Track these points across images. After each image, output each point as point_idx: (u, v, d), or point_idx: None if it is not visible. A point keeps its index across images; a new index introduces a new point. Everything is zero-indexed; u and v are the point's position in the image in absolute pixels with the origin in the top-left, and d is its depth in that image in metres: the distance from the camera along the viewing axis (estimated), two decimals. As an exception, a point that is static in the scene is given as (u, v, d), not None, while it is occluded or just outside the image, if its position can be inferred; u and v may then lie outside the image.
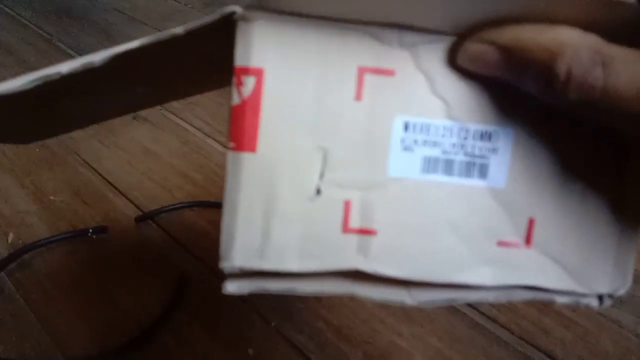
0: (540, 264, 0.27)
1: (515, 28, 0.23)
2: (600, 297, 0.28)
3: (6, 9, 1.39)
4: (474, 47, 0.24)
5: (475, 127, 0.26)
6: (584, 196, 0.27)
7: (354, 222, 0.26)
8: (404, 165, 0.26)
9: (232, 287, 0.26)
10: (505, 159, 0.26)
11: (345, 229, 0.26)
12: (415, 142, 0.25)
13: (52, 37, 1.25)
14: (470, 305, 0.62)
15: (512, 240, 0.27)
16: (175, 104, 0.96)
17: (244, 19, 0.24)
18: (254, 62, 0.24)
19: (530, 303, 0.62)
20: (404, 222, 0.26)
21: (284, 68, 0.24)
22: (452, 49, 0.25)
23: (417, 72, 0.25)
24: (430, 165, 0.26)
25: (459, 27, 0.24)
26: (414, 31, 0.25)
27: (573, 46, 0.22)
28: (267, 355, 0.58)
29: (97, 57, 0.23)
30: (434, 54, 0.25)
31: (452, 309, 0.62)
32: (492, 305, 0.62)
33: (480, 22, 0.24)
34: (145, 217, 0.74)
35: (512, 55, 0.23)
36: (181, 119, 0.95)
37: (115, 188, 0.80)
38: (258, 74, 0.24)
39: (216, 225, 0.71)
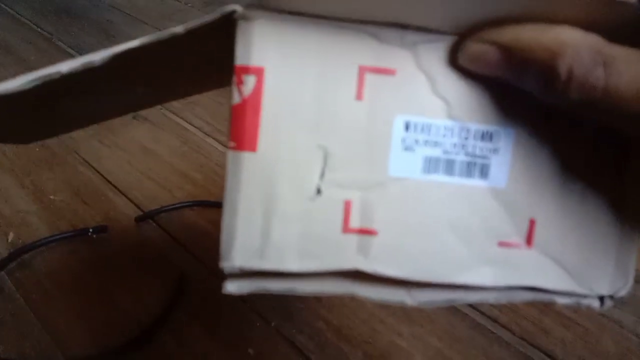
0: (540, 264, 0.27)
1: (516, 28, 0.23)
2: (602, 298, 0.28)
3: (6, 7, 1.39)
4: (474, 47, 0.24)
5: (476, 127, 0.26)
6: (584, 196, 0.27)
7: (354, 222, 0.26)
8: (404, 165, 0.26)
9: (232, 287, 0.26)
10: (506, 159, 0.26)
11: (346, 229, 0.26)
12: (416, 142, 0.25)
13: (52, 36, 1.25)
14: (470, 305, 0.62)
15: (513, 241, 0.27)
16: (175, 104, 0.96)
17: (245, 18, 0.24)
18: (255, 61, 0.24)
19: (531, 303, 0.62)
20: (405, 222, 0.26)
21: (284, 67, 0.24)
22: (452, 49, 0.25)
23: (418, 71, 0.25)
24: (431, 165, 0.26)
25: (460, 27, 0.24)
26: (415, 30, 0.25)
27: (574, 46, 0.21)
28: (267, 355, 0.58)
29: (97, 56, 0.23)
30: (434, 54, 0.25)
31: (452, 309, 0.62)
32: (492, 305, 0.62)
33: (481, 22, 0.24)
34: (145, 217, 0.74)
35: (512, 55, 0.23)
36: (181, 118, 0.95)
37: (116, 188, 0.79)
38: (258, 73, 0.24)
39: (216, 225, 0.72)
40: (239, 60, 0.24)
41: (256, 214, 0.25)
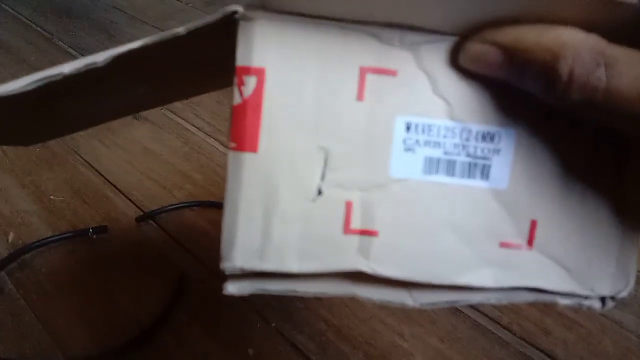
0: (542, 265, 0.27)
1: (517, 28, 0.23)
2: (603, 299, 0.28)
3: (6, 7, 1.39)
4: (475, 48, 0.24)
5: (477, 127, 0.26)
6: (585, 197, 0.27)
7: (355, 223, 0.26)
8: (405, 165, 0.25)
9: (232, 288, 0.26)
10: (508, 160, 0.26)
11: (347, 229, 0.26)
12: (417, 142, 0.25)
13: (52, 36, 1.25)
14: (471, 306, 0.62)
15: (514, 242, 0.27)
16: (176, 104, 0.97)
17: (246, 18, 0.24)
18: (256, 61, 0.24)
19: (532, 304, 0.62)
20: (406, 223, 0.26)
21: (285, 68, 0.24)
22: (453, 49, 0.25)
23: (418, 72, 0.25)
24: (432, 166, 0.26)
25: (461, 27, 0.24)
26: (416, 31, 0.25)
27: (575, 47, 0.21)
28: (267, 356, 0.58)
29: (100, 57, 0.23)
30: (435, 54, 0.25)
31: (453, 310, 0.62)
32: (493, 306, 0.62)
33: (481, 22, 0.24)
34: (146, 217, 0.74)
35: (514, 56, 0.23)
36: (182, 118, 0.95)
37: (116, 188, 0.79)
38: (259, 73, 0.24)
39: (216, 225, 0.72)
40: (240, 60, 0.24)
41: (257, 215, 0.25)
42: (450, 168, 0.26)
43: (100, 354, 0.57)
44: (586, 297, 0.28)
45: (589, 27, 0.22)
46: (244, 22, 0.24)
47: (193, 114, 0.95)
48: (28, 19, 1.33)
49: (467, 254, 0.26)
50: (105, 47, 0.24)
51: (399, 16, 0.24)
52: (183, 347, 0.58)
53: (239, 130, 0.24)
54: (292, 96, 0.25)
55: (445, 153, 0.26)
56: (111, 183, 0.80)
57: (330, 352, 0.58)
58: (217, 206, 0.76)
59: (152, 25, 1.31)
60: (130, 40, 0.23)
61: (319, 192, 0.25)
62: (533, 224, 0.27)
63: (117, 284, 0.65)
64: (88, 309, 0.62)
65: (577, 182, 0.27)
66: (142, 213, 0.74)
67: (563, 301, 0.28)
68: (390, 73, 0.25)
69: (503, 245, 0.27)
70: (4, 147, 0.87)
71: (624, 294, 0.28)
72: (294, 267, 0.25)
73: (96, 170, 0.83)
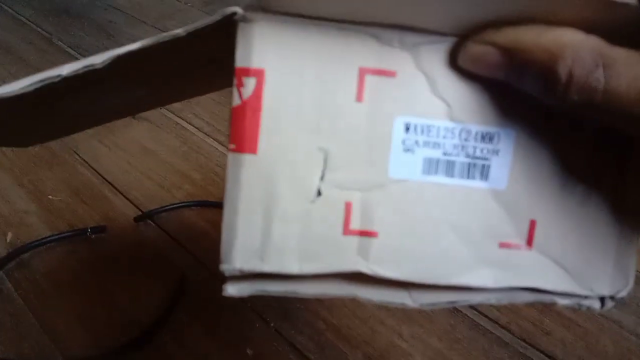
0: (541, 265, 0.27)
1: (516, 29, 0.23)
2: (602, 299, 0.28)
3: (5, 7, 1.38)
4: (475, 48, 0.24)
5: (476, 128, 0.26)
6: (584, 197, 0.27)
7: (355, 224, 0.26)
8: (404, 166, 0.25)
9: (232, 290, 0.26)
10: (507, 160, 0.26)
11: (346, 230, 0.26)
12: (416, 143, 0.25)
13: (51, 35, 1.25)
14: (470, 306, 0.62)
15: (513, 242, 0.27)
16: (175, 103, 0.96)
17: (245, 19, 0.24)
18: (255, 63, 0.24)
19: (531, 304, 0.62)
20: (405, 223, 0.26)
21: (284, 69, 0.24)
22: (453, 50, 0.25)
23: (418, 73, 0.25)
24: (431, 166, 0.26)
25: (460, 28, 0.24)
26: (415, 32, 0.25)
27: (574, 47, 0.21)
28: (267, 356, 0.58)
29: (99, 59, 0.23)
30: (434, 55, 0.25)
31: (452, 310, 0.62)
32: (492, 306, 0.62)
33: (481, 23, 0.24)
34: (144, 217, 0.74)
35: (513, 57, 0.23)
36: (181, 118, 0.95)
37: (114, 187, 0.79)
38: (259, 75, 0.24)
39: (215, 225, 0.72)
40: (239, 62, 0.24)
41: (256, 216, 0.25)
42: (449, 168, 0.26)
43: (99, 354, 0.57)
44: (585, 297, 0.28)
45: (588, 28, 0.22)
46: (243, 24, 0.24)
47: (192, 114, 0.95)
48: (27, 19, 1.33)
49: (466, 254, 0.26)
50: (104, 47, 0.24)
51: (398, 17, 0.24)
52: (183, 348, 0.58)
53: (239, 131, 0.24)
54: (291, 97, 0.25)
55: (445, 154, 0.26)
56: (110, 183, 0.80)
57: (329, 352, 0.58)
58: (216, 206, 0.76)
59: (152, 25, 1.30)
60: (129, 40, 0.23)
61: (319, 193, 0.25)
62: (532, 224, 0.27)
63: (117, 283, 0.65)
64: (87, 309, 0.62)
65: (577, 183, 0.27)
66: (140, 213, 0.74)
67: (562, 301, 0.28)
68: (390, 74, 0.25)
69: (502, 245, 0.27)
70: (3, 148, 0.87)
71: (623, 294, 0.28)
72: (294, 268, 0.25)
73: (95, 170, 0.83)
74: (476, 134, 0.26)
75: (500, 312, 0.62)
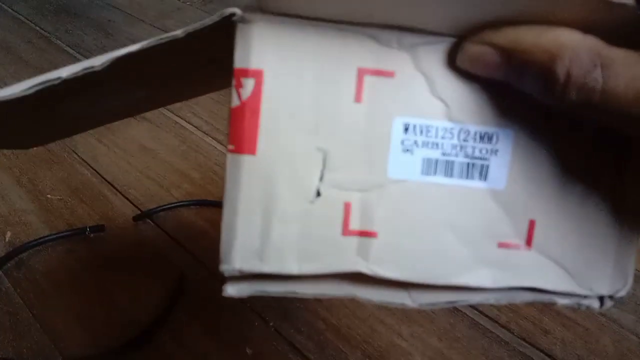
0: (540, 265, 0.27)
1: (514, 29, 0.23)
2: (601, 299, 0.28)
3: (4, 6, 1.38)
4: (473, 49, 0.24)
5: (475, 128, 0.26)
6: (584, 197, 0.27)
7: (354, 224, 0.26)
8: (404, 167, 0.25)
9: (232, 290, 0.26)
10: (506, 160, 0.26)
11: (346, 231, 0.26)
12: (415, 143, 0.25)
13: (50, 34, 1.25)
14: (470, 305, 0.62)
15: (512, 242, 0.27)
16: (173, 102, 0.97)
17: (243, 20, 0.24)
18: (253, 64, 0.24)
19: (531, 304, 0.62)
20: (404, 224, 0.26)
21: (283, 70, 0.24)
22: (451, 51, 0.25)
23: (416, 73, 0.25)
24: (430, 166, 0.26)
25: (459, 29, 0.24)
26: (414, 32, 0.25)
27: (572, 48, 0.21)
28: (266, 355, 0.58)
29: (98, 61, 0.23)
30: (433, 55, 0.25)
31: (451, 309, 0.62)
32: (492, 305, 0.62)
33: (479, 24, 0.23)
34: (143, 216, 0.74)
35: (511, 57, 0.23)
36: (180, 117, 0.95)
37: (113, 187, 0.79)
38: (257, 75, 0.24)
39: (214, 224, 0.72)
40: (238, 63, 0.24)
41: (256, 217, 0.25)
42: (448, 169, 0.26)
43: (98, 353, 0.57)
44: (585, 297, 0.28)
45: (586, 28, 0.22)
46: (241, 25, 0.24)
47: (191, 113, 0.95)
48: (27, 18, 1.33)
49: (465, 254, 0.26)
50: (103, 46, 0.24)
51: (397, 18, 0.24)
52: (182, 347, 0.58)
53: (238, 132, 0.24)
54: (290, 98, 0.25)
55: (444, 154, 0.26)
56: (109, 182, 0.80)
57: (329, 352, 0.58)
58: (215, 205, 0.76)
59: (151, 24, 1.30)
60: (128, 38, 0.23)
61: (318, 194, 0.25)
62: (531, 224, 0.27)
63: (116, 283, 0.65)
64: (86, 308, 0.62)
65: (576, 182, 0.27)
66: (139, 212, 0.74)
67: (562, 301, 0.28)
68: (388, 74, 0.25)
69: (501, 245, 0.27)
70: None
71: (622, 293, 0.28)
72: (293, 268, 0.25)
73: (94, 169, 0.83)
74: (475, 134, 0.26)
75: (500, 312, 0.62)
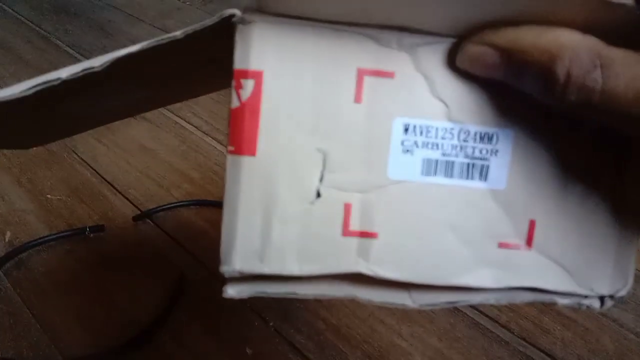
0: (541, 265, 0.27)
1: (514, 30, 0.23)
2: (602, 298, 0.28)
3: (3, 6, 1.38)
4: (473, 49, 0.24)
5: (475, 128, 0.26)
6: (584, 197, 0.27)
7: (354, 225, 0.26)
8: (404, 167, 0.25)
9: (232, 291, 0.26)
10: (506, 161, 0.26)
11: (346, 232, 0.26)
12: (415, 144, 0.25)
13: (50, 34, 1.25)
14: (470, 305, 0.62)
15: (513, 242, 0.27)
16: (173, 102, 0.97)
17: (243, 21, 0.24)
18: (253, 65, 0.24)
19: (531, 303, 0.62)
20: (405, 224, 0.26)
21: (283, 71, 0.24)
22: (451, 51, 0.25)
23: (416, 73, 0.25)
24: (430, 167, 0.26)
25: (458, 29, 0.24)
26: (413, 33, 0.25)
27: (572, 48, 0.21)
28: (266, 355, 0.58)
29: (98, 62, 0.23)
30: (433, 56, 0.25)
31: (451, 309, 0.62)
32: (492, 305, 0.62)
33: (479, 24, 0.23)
34: (143, 216, 0.74)
35: (511, 57, 0.23)
36: (179, 117, 0.95)
37: (113, 187, 0.79)
38: (257, 76, 0.24)
39: (214, 224, 0.71)
40: (238, 64, 0.24)
41: (256, 218, 0.25)
42: (448, 169, 0.26)
43: (98, 353, 0.57)
44: (585, 297, 0.28)
45: (586, 28, 0.22)
46: (241, 26, 0.24)
47: (191, 113, 0.95)
48: (26, 18, 1.33)
49: (466, 254, 0.26)
50: (103, 46, 0.24)
51: (397, 18, 0.24)
52: (182, 347, 0.58)
53: (237, 133, 0.24)
54: (290, 99, 0.25)
55: (444, 154, 0.26)
56: (108, 182, 0.80)
57: (329, 352, 0.58)
58: (215, 205, 0.76)
59: (150, 24, 1.30)
60: (128, 38, 0.23)
61: (318, 194, 0.25)
62: (532, 224, 0.27)
63: (116, 283, 0.65)
64: (86, 308, 0.62)
65: (576, 182, 0.27)
66: (139, 212, 0.74)
67: (562, 301, 0.28)
68: (388, 75, 0.25)
69: (502, 245, 0.27)
70: (2, 147, 0.87)
71: (622, 293, 0.28)
72: (294, 269, 0.25)
73: (93, 169, 0.83)
74: (475, 134, 0.26)
75: (500, 311, 0.62)
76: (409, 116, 0.25)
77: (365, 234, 0.26)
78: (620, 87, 0.21)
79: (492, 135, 0.26)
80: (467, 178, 0.26)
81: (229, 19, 0.23)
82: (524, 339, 0.59)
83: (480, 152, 0.26)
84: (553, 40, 0.22)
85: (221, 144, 0.88)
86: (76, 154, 0.86)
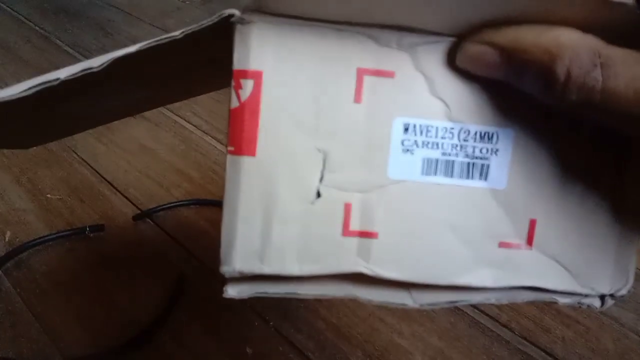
0: (541, 264, 0.27)
1: (514, 29, 0.23)
2: (602, 298, 0.28)
3: (3, 5, 1.38)
4: (473, 48, 0.24)
5: (475, 128, 0.26)
6: (584, 196, 0.27)
7: (355, 225, 0.26)
8: (404, 167, 0.25)
9: (232, 291, 0.26)
10: (506, 160, 0.26)
11: (346, 231, 0.26)
12: (415, 143, 0.25)
13: (49, 34, 1.25)
14: (471, 304, 0.62)
15: (513, 241, 0.27)
16: (173, 102, 0.97)
17: (242, 21, 0.23)
18: (253, 65, 0.24)
19: (531, 302, 0.62)
20: (405, 224, 0.26)
21: (282, 71, 0.24)
22: (451, 50, 0.25)
23: (416, 73, 0.25)
24: (430, 166, 0.26)
25: (458, 28, 0.24)
26: (413, 32, 0.25)
27: (572, 47, 0.21)
28: (266, 355, 0.58)
29: (96, 62, 0.23)
30: (433, 55, 0.25)
31: (452, 308, 0.62)
32: (493, 304, 0.62)
33: (479, 23, 0.23)
34: (143, 216, 0.74)
35: (511, 57, 0.23)
36: (179, 116, 0.95)
37: (113, 186, 0.79)
38: (256, 77, 0.24)
39: (214, 224, 0.71)
40: (237, 64, 0.24)
41: (256, 218, 0.25)
42: (448, 169, 0.26)
43: (99, 353, 0.57)
44: (586, 296, 0.28)
45: (586, 27, 0.22)
46: (240, 26, 0.24)
47: (190, 112, 0.95)
48: (26, 18, 1.33)
49: (466, 254, 0.26)
50: (102, 45, 0.24)
51: (397, 18, 0.24)
52: (182, 347, 0.58)
53: (237, 134, 0.24)
54: (289, 99, 0.24)
55: (444, 154, 0.26)
56: (108, 181, 0.80)
57: (329, 351, 0.58)
58: (215, 204, 0.76)
59: (150, 24, 1.30)
60: (128, 38, 0.23)
61: (318, 194, 0.25)
62: (532, 224, 0.27)
63: (116, 283, 0.65)
64: (86, 308, 0.62)
65: (577, 182, 0.27)
66: (139, 211, 0.74)
67: (563, 300, 0.28)
68: (388, 75, 0.25)
69: (502, 245, 0.27)
70: (1, 147, 0.87)
71: (623, 292, 0.28)
72: (294, 269, 0.25)
73: (93, 169, 0.83)
74: (475, 133, 0.26)
75: (501, 310, 0.62)
76: (409, 116, 0.25)
77: (365, 234, 0.26)
78: (620, 86, 0.21)
79: (493, 135, 0.26)
80: (468, 177, 0.26)
81: (228, 18, 0.23)
82: (525, 338, 0.59)
83: (481, 151, 0.26)
84: (553, 39, 0.22)
85: (221, 143, 0.88)
86: (76, 153, 0.86)
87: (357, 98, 0.25)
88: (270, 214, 0.25)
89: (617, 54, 0.21)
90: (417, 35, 0.25)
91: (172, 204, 0.75)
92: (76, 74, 0.23)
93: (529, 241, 0.27)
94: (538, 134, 0.26)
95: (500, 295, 0.27)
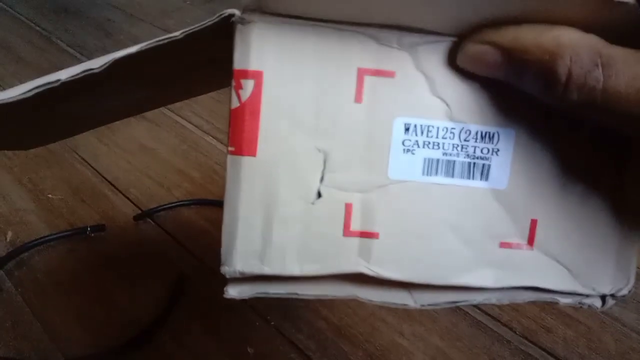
0: (542, 264, 0.27)
1: (515, 29, 0.23)
2: (603, 298, 0.28)
3: (3, 5, 1.38)
4: (474, 48, 0.24)
5: (476, 128, 0.26)
6: (584, 196, 0.27)
7: (355, 225, 0.26)
8: (404, 167, 0.25)
9: (233, 292, 0.26)
10: (507, 160, 0.26)
11: (347, 232, 0.26)
12: (416, 143, 0.25)
13: (50, 34, 1.25)
14: (472, 304, 0.62)
15: (514, 241, 0.27)
16: (173, 102, 0.97)
17: (243, 21, 0.23)
18: (253, 65, 0.24)
19: (533, 303, 0.62)
20: (406, 224, 0.26)
21: (283, 71, 0.24)
22: (452, 50, 0.25)
23: (417, 73, 0.25)
24: (431, 166, 0.26)
25: (459, 28, 0.24)
26: (414, 32, 0.25)
27: (573, 47, 0.21)
28: (267, 355, 0.58)
29: (97, 63, 0.23)
30: (433, 55, 0.25)
31: (453, 308, 0.62)
32: (494, 304, 0.62)
33: (480, 23, 0.23)
34: (144, 216, 0.74)
35: (512, 56, 0.23)
36: (180, 116, 0.95)
37: (114, 186, 0.79)
38: (257, 77, 0.24)
39: (215, 224, 0.71)
40: (238, 64, 0.24)
41: (257, 218, 0.25)
42: (449, 169, 0.26)
43: (99, 353, 0.57)
44: (587, 296, 0.28)
45: (587, 27, 0.22)
46: (241, 26, 0.24)
47: (191, 112, 0.95)
48: (26, 18, 1.33)
49: (467, 254, 0.26)
50: (103, 45, 0.24)
51: (397, 18, 0.24)
52: (182, 347, 0.58)
53: (238, 134, 0.24)
54: (290, 99, 0.24)
55: (445, 154, 0.26)
56: (109, 181, 0.80)
57: (330, 351, 0.58)
58: (215, 204, 0.76)
59: (151, 23, 1.30)
60: (128, 38, 0.23)
61: (319, 194, 0.25)
62: (533, 224, 0.27)
63: (116, 283, 0.65)
64: (87, 308, 0.62)
65: (577, 182, 0.27)
66: (140, 211, 0.74)
67: (564, 300, 0.28)
68: (389, 74, 0.25)
69: (503, 245, 0.27)
70: (2, 147, 0.87)
71: (624, 292, 0.28)
72: (295, 269, 0.25)
73: (94, 169, 0.83)
74: (476, 133, 0.26)
75: (502, 310, 0.62)
76: (410, 116, 0.25)
77: (366, 234, 0.26)
78: (621, 86, 0.21)
79: (493, 135, 0.26)
80: (468, 177, 0.26)
81: (229, 18, 0.23)
82: (526, 338, 0.59)
83: (482, 151, 0.26)
84: (554, 39, 0.22)
85: (222, 143, 0.88)
86: (77, 153, 0.86)
87: (358, 98, 0.25)
88: (271, 214, 0.25)
89: (618, 54, 0.21)
90: (418, 35, 0.25)
91: (172, 204, 0.75)
92: (77, 75, 0.23)
93: (530, 241, 0.27)
94: (539, 134, 0.26)
95: (501, 295, 0.27)
